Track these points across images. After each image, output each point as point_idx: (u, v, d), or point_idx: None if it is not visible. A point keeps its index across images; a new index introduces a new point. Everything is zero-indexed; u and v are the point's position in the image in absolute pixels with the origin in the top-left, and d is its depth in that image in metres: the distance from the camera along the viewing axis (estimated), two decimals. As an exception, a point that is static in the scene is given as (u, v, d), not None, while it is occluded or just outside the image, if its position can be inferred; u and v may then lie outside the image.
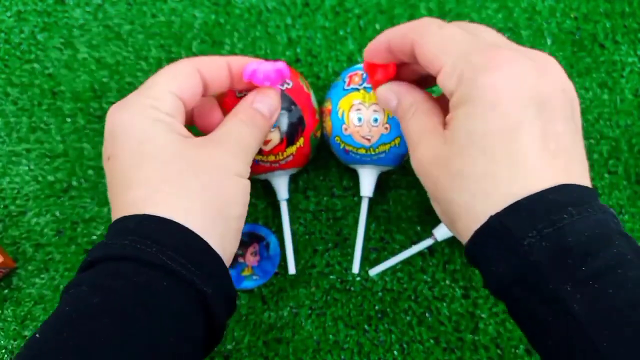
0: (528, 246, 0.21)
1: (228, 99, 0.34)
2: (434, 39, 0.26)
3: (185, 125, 0.29)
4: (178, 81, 0.29)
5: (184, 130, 0.29)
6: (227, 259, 0.27)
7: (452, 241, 0.39)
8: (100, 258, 0.24)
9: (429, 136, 0.26)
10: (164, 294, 0.24)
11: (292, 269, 0.38)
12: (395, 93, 0.30)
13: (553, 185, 0.22)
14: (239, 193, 0.28)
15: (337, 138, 0.36)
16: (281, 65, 0.32)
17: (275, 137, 0.34)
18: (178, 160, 0.27)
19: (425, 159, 0.26)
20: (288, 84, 0.34)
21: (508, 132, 0.23)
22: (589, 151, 0.42)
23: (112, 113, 0.28)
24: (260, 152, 0.34)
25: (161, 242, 0.24)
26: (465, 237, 0.25)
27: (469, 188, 0.24)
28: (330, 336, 0.38)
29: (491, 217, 0.23)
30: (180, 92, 0.28)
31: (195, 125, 0.33)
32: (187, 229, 0.25)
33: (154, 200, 0.26)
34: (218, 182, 0.27)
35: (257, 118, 0.31)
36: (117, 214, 0.27)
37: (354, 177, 0.41)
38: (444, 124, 0.26)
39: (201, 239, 0.26)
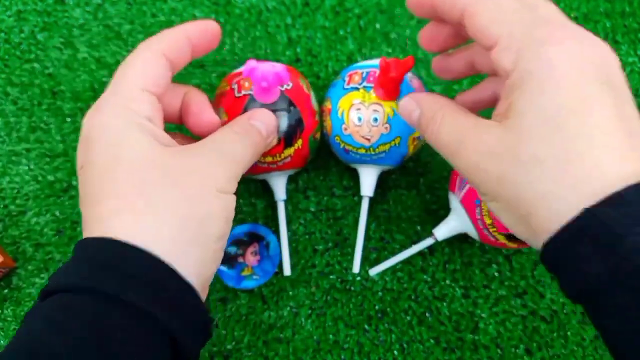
0: (632, 244, 0.19)
1: (226, 99, 0.34)
2: (489, 9, 0.23)
3: (168, 123, 0.28)
4: (148, 74, 0.26)
5: (165, 137, 0.26)
6: (202, 285, 0.25)
7: (452, 241, 0.39)
8: (56, 288, 0.22)
9: (476, 132, 0.24)
10: (122, 332, 0.21)
11: (287, 271, 0.38)
12: (416, 101, 0.28)
13: (636, 170, 0.20)
14: (220, 211, 0.25)
15: (337, 137, 0.36)
16: (280, 68, 0.32)
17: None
18: (154, 169, 0.24)
19: (479, 156, 0.23)
20: (288, 85, 0.34)
21: (583, 106, 0.21)
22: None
23: (88, 117, 0.26)
24: None
25: (123, 271, 0.22)
26: (544, 232, 0.22)
27: (548, 173, 0.21)
28: (330, 336, 0.38)
29: (586, 210, 0.20)
30: (152, 86, 0.26)
31: (186, 126, 0.32)
32: (152, 255, 0.23)
33: (122, 217, 0.23)
34: (197, 196, 0.24)
35: (254, 133, 0.29)
36: (85, 230, 0.24)
37: (354, 177, 0.41)
38: (496, 115, 0.24)
39: (168, 266, 0.23)
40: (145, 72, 0.26)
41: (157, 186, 0.24)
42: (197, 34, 0.29)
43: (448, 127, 0.26)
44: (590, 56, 0.22)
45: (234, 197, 0.27)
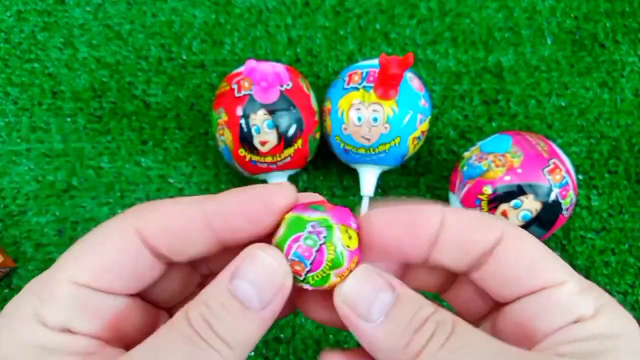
0: None
1: (226, 99, 0.34)
2: (522, 244, 0.17)
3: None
4: (99, 260, 0.17)
5: (91, 345, 0.16)
6: None
7: (452, 241, 0.39)
8: None
9: None
10: None
11: None
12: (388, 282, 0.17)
13: None
14: None
15: (337, 137, 0.36)
16: (280, 68, 0.32)
17: (272, 139, 0.34)
18: None
19: None
20: (288, 85, 0.34)
21: None
22: (589, 151, 0.42)
23: None
24: (258, 153, 0.34)
25: None
26: None
27: None
28: (331, 336, 0.38)
29: None
30: (96, 279, 0.17)
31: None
32: None
33: None
34: None
35: (235, 320, 0.16)
36: None
37: (354, 177, 0.41)
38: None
39: None
40: (96, 256, 0.17)
41: None
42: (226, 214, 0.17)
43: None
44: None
45: None
